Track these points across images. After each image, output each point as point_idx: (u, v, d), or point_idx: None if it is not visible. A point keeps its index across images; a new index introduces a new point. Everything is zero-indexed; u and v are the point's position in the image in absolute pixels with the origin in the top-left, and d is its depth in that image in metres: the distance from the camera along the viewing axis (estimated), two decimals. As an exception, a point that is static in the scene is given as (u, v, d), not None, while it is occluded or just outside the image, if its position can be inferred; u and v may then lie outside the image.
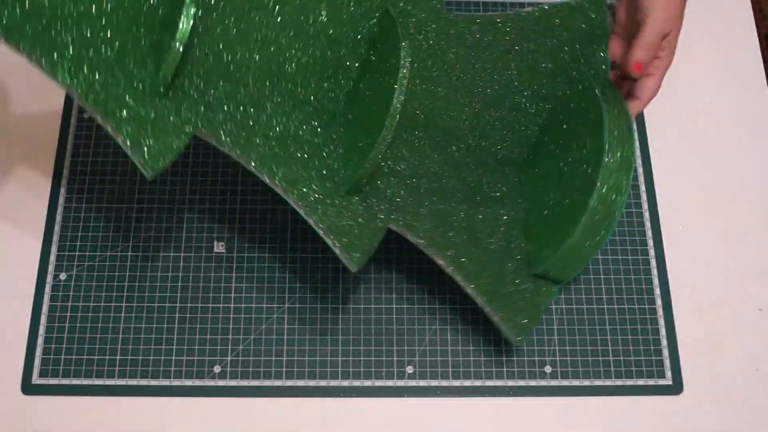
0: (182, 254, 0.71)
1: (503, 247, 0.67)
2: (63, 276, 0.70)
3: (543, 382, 0.68)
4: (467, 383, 0.68)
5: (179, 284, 0.70)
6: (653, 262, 0.72)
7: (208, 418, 0.66)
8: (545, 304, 0.66)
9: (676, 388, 0.68)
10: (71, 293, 0.69)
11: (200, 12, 0.61)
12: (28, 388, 0.66)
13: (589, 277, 0.71)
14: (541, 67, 0.72)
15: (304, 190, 0.60)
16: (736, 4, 0.83)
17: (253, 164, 0.58)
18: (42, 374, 0.67)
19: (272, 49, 0.65)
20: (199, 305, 0.69)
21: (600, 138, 0.63)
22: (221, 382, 0.67)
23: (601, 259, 0.72)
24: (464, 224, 0.67)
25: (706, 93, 0.79)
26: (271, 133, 0.63)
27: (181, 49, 0.56)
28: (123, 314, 0.69)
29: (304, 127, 0.65)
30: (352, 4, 0.68)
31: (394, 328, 0.69)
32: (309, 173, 0.62)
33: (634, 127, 0.65)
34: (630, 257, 0.72)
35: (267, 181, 0.59)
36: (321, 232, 0.59)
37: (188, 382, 0.67)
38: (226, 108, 0.61)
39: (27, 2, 0.53)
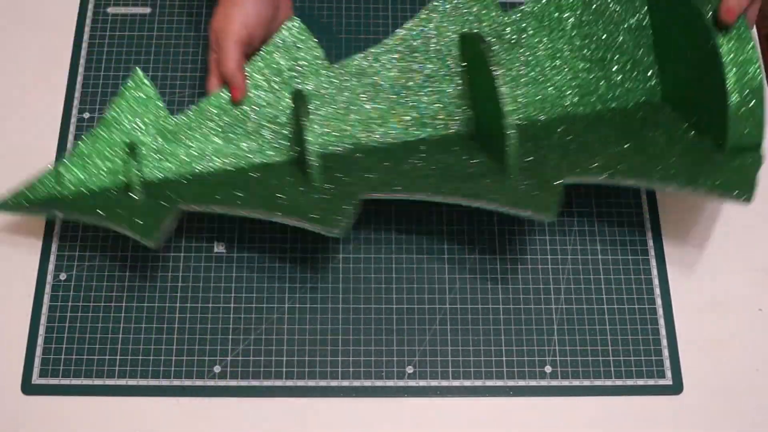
0: (182, 254, 0.71)
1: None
2: (63, 276, 0.70)
3: (543, 382, 0.68)
4: (467, 383, 0.68)
5: (179, 284, 0.70)
6: (653, 262, 0.72)
7: (208, 418, 0.66)
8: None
9: (676, 388, 0.68)
10: (71, 293, 0.69)
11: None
12: (28, 388, 0.66)
13: (589, 277, 0.71)
14: None
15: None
16: (736, 4, 0.83)
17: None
18: (42, 374, 0.67)
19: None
20: (199, 305, 0.69)
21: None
22: (221, 382, 0.67)
23: (601, 259, 0.72)
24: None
25: (706, 93, 0.78)
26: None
27: None
28: (123, 314, 0.69)
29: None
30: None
31: (394, 328, 0.69)
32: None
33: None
34: (630, 257, 0.72)
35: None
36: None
37: (188, 382, 0.67)
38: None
39: None
